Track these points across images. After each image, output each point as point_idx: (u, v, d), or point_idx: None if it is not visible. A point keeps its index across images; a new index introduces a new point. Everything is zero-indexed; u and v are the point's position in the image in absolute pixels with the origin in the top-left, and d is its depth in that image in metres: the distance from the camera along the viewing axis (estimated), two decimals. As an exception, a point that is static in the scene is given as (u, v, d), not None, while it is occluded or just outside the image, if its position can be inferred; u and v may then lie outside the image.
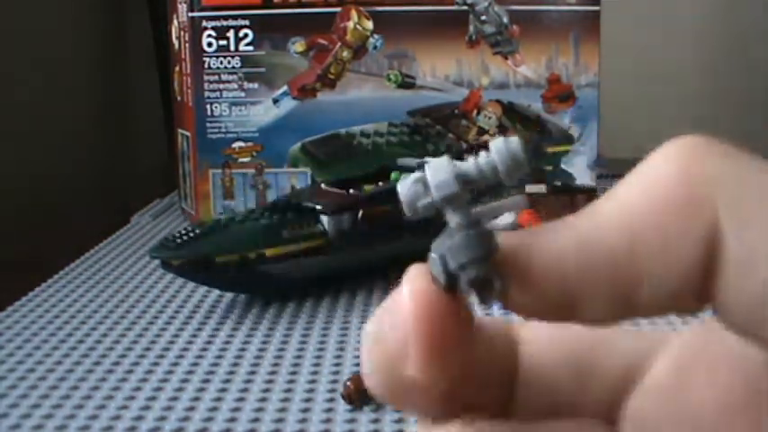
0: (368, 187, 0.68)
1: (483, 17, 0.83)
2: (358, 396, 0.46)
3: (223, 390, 0.49)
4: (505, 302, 0.17)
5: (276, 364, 0.52)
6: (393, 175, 0.70)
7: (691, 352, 0.18)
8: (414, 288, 0.17)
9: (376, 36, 0.82)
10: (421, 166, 0.18)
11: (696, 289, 0.15)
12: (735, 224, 0.15)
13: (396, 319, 0.17)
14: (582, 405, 0.19)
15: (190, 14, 0.81)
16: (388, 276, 0.67)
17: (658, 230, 0.15)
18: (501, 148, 0.17)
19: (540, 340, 0.19)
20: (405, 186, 0.17)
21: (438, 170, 0.17)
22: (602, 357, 0.19)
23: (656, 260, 0.15)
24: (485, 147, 0.17)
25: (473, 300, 0.17)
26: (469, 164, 0.17)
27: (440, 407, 0.17)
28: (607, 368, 0.19)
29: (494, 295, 0.16)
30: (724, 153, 0.15)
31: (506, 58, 0.85)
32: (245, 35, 0.81)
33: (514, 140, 0.17)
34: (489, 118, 0.85)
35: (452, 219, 0.17)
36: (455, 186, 0.17)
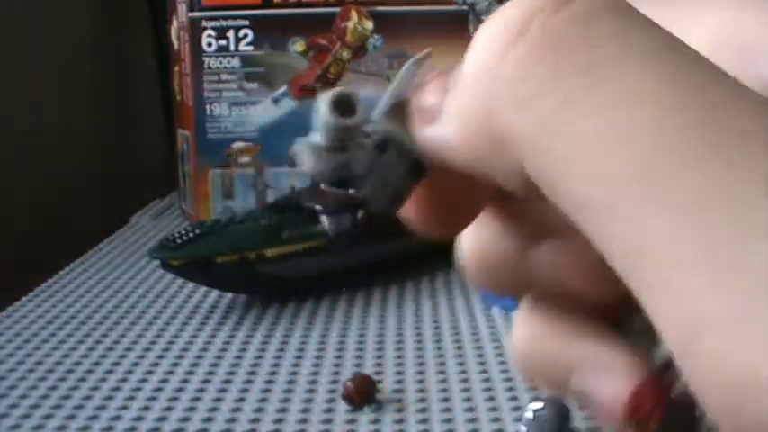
0: None
1: (483, 17, 0.83)
2: (358, 396, 0.46)
3: (223, 390, 0.49)
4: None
5: (276, 365, 0.52)
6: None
7: None
8: None
9: (376, 36, 0.82)
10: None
11: None
12: None
13: None
14: None
15: (190, 14, 0.81)
16: (388, 276, 0.67)
17: None
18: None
19: None
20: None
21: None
22: None
23: None
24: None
25: None
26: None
27: None
28: None
29: None
30: None
31: (506, 58, 0.85)
32: (245, 35, 0.81)
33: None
34: (489, 118, 0.85)
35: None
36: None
